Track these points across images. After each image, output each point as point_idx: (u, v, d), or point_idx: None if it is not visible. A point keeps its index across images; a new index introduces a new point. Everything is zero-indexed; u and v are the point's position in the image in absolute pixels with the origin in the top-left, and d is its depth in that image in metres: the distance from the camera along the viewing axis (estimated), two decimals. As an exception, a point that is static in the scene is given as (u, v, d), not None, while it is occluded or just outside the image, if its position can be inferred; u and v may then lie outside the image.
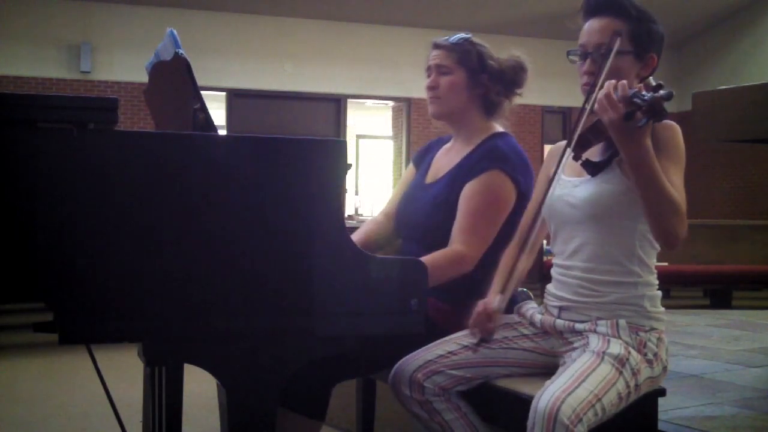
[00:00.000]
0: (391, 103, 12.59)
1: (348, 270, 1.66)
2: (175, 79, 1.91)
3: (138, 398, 2.87)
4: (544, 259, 5.88)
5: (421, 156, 2.46)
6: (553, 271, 1.95)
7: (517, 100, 2.34)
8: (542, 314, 1.95)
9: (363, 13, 11.25)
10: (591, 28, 1.91)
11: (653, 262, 1.87)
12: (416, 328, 1.72)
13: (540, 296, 2.07)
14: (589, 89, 1.82)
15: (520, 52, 2.29)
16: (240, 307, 1.62)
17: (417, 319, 1.71)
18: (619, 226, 1.82)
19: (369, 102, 12.83)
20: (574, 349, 1.83)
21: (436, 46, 2.29)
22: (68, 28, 10.34)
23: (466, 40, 2.27)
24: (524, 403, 1.69)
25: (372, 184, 14.26)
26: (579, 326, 1.84)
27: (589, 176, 1.83)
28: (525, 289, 2.27)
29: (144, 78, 2.18)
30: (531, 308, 2.00)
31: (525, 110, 10.23)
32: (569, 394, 1.61)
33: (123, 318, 1.56)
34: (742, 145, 7.59)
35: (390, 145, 12.95)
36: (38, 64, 10.22)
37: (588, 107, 1.78)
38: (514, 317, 2.02)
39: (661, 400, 1.88)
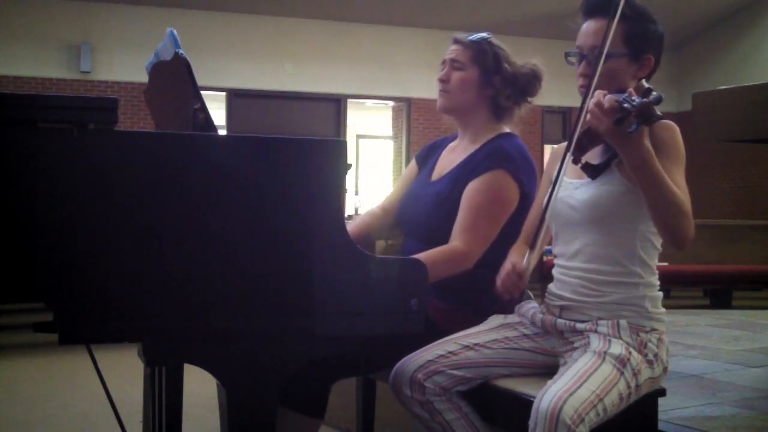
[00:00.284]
0: (391, 103, 12.60)
1: (348, 270, 1.66)
2: (175, 79, 1.91)
3: (138, 398, 2.86)
4: (545, 259, 5.88)
5: (425, 154, 2.45)
6: (555, 271, 1.95)
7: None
8: (543, 314, 1.95)
9: (363, 13, 11.25)
10: (586, 30, 1.92)
11: (654, 262, 1.87)
12: (416, 328, 1.72)
13: (540, 296, 2.08)
14: (584, 92, 1.83)
15: (539, 60, 2.28)
16: (240, 307, 1.62)
17: (417, 319, 1.71)
18: (619, 227, 1.83)
19: (369, 102, 12.84)
20: (575, 348, 1.83)
21: (455, 41, 2.29)
22: (68, 28, 10.34)
23: (485, 39, 2.26)
24: (525, 403, 1.69)
25: (372, 184, 14.26)
26: (580, 326, 1.84)
27: (589, 179, 1.83)
28: (525, 289, 2.27)
29: (144, 78, 2.18)
30: (532, 308, 2.00)
31: (525, 110, 10.23)
32: (571, 395, 1.61)
33: (123, 318, 1.56)
34: (742, 145, 7.59)
35: (390, 145, 12.95)
36: (38, 64, 10.22)
37: (584, 111, 1.79)
38: (514, 317, 2.02)
39: (661, 400, 1.88)
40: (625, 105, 1.63)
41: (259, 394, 1.66)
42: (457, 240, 2.11)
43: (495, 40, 2.28)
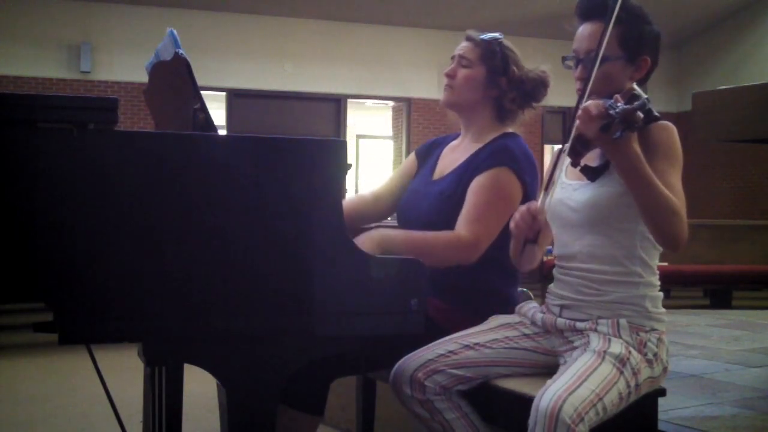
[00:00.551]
0: (391, 103, 12.60)
1: (348, 270, 1.66)
2: (175, 79, 1.91)
3: (138, 398, 2.87)
4: (545, 259, 5.89)
5: (425, 151, 2.44)
6: (555, 271, 1.95)
7: None
8: (543, 313, 1.95)
9: (363, 13, 11.26)
10: (581, 34, 1.92)
11: (655, 262, 1.87)
12: (416, 328, 1.71)
13: (540, 296, 2.07)
14: (580, 96, 1.83)
15: (548, 67, 2.28)
16: (240, 307, 1.62)
17: (417, 319, 1.71)
18: (619, 228, 1.83)
19: (369, 102, 12.84)
20: (575, 348, 1.84)
21: (467, 37, 2.29)
22: (68, 28, 10.34)
23: (495, 40, 2.26)
24: (525, 402, 1.69)
25: (372, 184, 14.26)
26: (580, 325, 1.85)
27: (588, 181, 1.83)
28: (525, 289, 2.28)
29: (144, 78, 2.18)
30: (532, 308, 2.00)
31: (529, 115, 10.23)
32: (571, 394, 1.61)
33: (123, 318, 1.56)
34: (742, 145, 7.59)
35: (390, 145, 12.95)
36: (38, 64, 10.23)
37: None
38: (514, 317, 2.02)
39: (661, 400, 1.88)
40: (610, 111, 1.63)
41: (259, 393, 1.66)
42: (461, 229, 2.09)
43: (507, 42, 2.28)
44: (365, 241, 1.87)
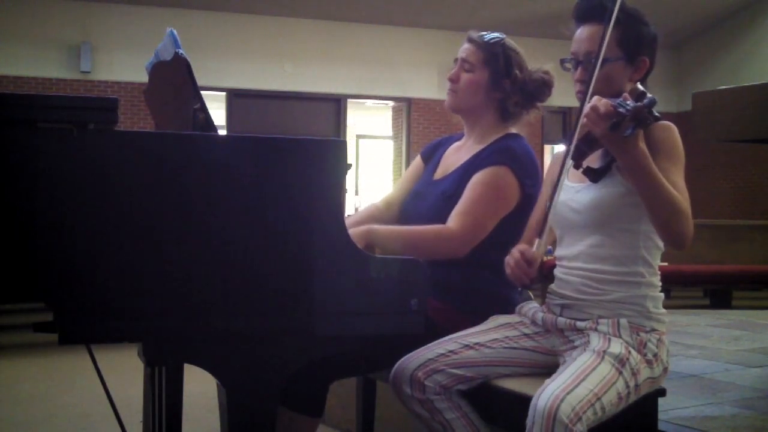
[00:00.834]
0: (391, 103, 12.60)
1: (348, 270, 1.66)
2: (175, 79, 1.91)
3: (138, 398, 2.86)
4: (545, 259, 5.88)
5: (430, 152, 2.45)
6: (557, 271, 1.95)
7: None
8: (544, 312, 1.95)
9: (363, 13, 11.25)
10: (580, 36, 1.93)
11: (657, 263, 1.87)
12: (416, 328, 1.72)
13: (540, 296, 2.08)
14: (582, 98, 1.83)
15: (551, 66, 2.28)
16: (240, 307, 1.62)
17: (417, 319, 1.71)
18: (622, 228, 1.83)
19: (369, 102, 12.84)
20: (575, 347, 1.84)
21: (469, 39, 2.28)
22: (68, 28, 10.34)
23: (498, 41, 2.25)
24: (525, 402, 1.68)
25: (372, 184, 14.27)
26: (580, 324, 1.85)
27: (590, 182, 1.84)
28: (525, 289, 2.27)
29: (144, 78, 2.18)
30: (532, 307, 2.00)
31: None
32: (569, 393, 1.61)
33: (123, 318, 1.56)
34: (742, 145, 7.59)
35: (390, 145, 12.95)
36: (38, 64, 10.23)
37: (581, 117, 1.79)
38: (515, 317, 2.02)
39: (661, 400, 1.88)
40: (620, 109, 1.64)
41: (259, 394, 1.66)
42: (451, 222, 2.11)
43: (509, 43, 2.27)
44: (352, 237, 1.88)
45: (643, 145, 1.69)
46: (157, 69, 2.04)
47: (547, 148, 12.41)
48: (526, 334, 1.96)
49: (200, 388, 3.09)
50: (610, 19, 1.83)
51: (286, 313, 1.64)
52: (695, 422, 2.28)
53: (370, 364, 2.14)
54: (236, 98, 11.26)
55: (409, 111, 11.97)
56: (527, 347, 1.95)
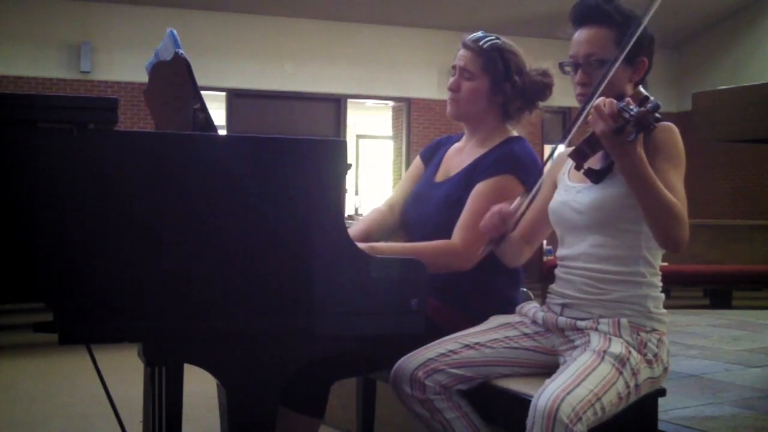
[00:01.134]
0: (391, 103, 12.60)
1: (348, 270, 1.66)
2: (175, 79, 1.91)
3: (138, 398, 2.86)
4: (545, 259, 5.89)
5: (429, 153, 2.44)
6: (558, 271, 1.95)
7: None
8: (544, 312, 1.95)
9: (363, 13, 11.25)
10: (578, 39, 1.94)
11: (659, 263, 1.87)
12: (416, 328, 1.71)
13: (541, 296, 2.08)
14: (584, 100, 1.84)
15: (550, 64, 2.27)
16: (240, 307, 1.62)
17: (417, 319, 1.71)
18: (623, 229, 1.83)
19: (369, 102, 12.84)
20: (575, 347, 1.84)
21: (465, 46, 2.27)
22: (68, 28, 10.34)
23: (495, 46, 2.23)
24: (525, 402, 1.69)
25: (372, 184, 14.27)
26: (581, 324, 1.85)
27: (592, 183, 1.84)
28: (525, 290, 2.28)
29: (144, 78, 2.18)
30: (533, 307, 2.00)
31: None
32: (569, 393, 1.61)
33: (123, 318, 1.56)
34: (742, 145, 7.59)
35: (390, 145, 12.95)
36: (38, 64, 10.22)
37: (582, 118, 1.80)
38: (515, 317, 2.02)
39: (661, 400, 1.88)
40: (625, 114, 1.64)
41: (259, 394, 1.66)
42: (455, 237, 2.11)
43: (506, 45, 2.25)
44: None
45: (641, 150, 1.69)
46: (157, 69, 2.04)
47: (547, 148, 12.40)
48: (526, 334, 1.96)
49: (200, 388, 3.09)
50: (608, 23, 1.87)
51: (286, 313, 1.64)
52: (695, 422, 2.28)
53: (370, 364, 2.13)
54: (236, 98, 11.26)
55: (409, 111, 11.97)
56: (527, 347, 1.95)
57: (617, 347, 1.75)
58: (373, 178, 14.36)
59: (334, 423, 3.42)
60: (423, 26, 11.51)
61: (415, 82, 11.73)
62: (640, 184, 1.70)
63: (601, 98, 1.72)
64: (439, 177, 2.31)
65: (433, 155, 2.41)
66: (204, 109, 1.81)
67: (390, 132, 12.97)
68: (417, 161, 2.46)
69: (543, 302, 2.01)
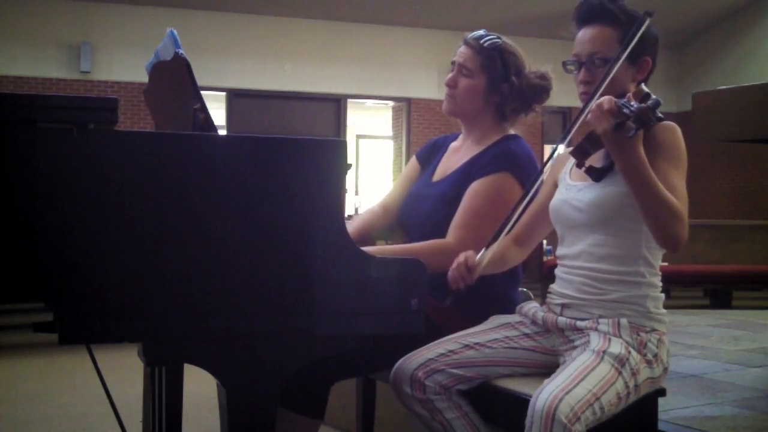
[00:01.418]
0: (391, 103, 12.60)
1: (348, 270, 1.66)
2: (175, 79, 1.91)
3: (138, 398, 2.86)
4: (545, 259, 5.89)
5: (426, 153, 2.44)
6: (558, 271, 1.95)
7: None
8: (544, 312, 1.95)
9: (363, 13, 11.26)
10: (582, 38, 1.94)
11: (658, 263, 1.87)
12: (416, 328, 1.71)
13: (541, 296, 2.07)
14: (587, 98, 1.84)
15: (550, 67, 2.27)
16: (240, 307, 1.62)
17: (417, 319, 1.71)
18: (624, 228, 1.83)
19: (369, 102, 12.84)
20: (575, 347, 1.84)
21: (465, 43, 2.27)
22: (68, 28, 10.35)
23: (495, 45, 2.23)
24: (525, 402, 1.68)
25: (372, 184, 14.27)
26: (581, 324, 1.85)
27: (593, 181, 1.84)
28: (525, 289, 2.28)
29: (144, 78, 2.18)
30: (533, 307, 2.00)
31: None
32: (567, 393, 1.61)
33: (123, 318, 1.56)
34: (742, 145, 7.59)
35: (390, 145, 12.95)
36: (38, 64, 10.23)
37: (583, 116, 1.80)
38: (515, 317, 2.02)
39: (661, 400, 1.88)
40: (625, 110, 1.64)
41: (259, 394, 1.66)
42: (450, 236, 2.11)
43: (506, 45, 2.25)
44: None
45: (641, 148, 1.69)
46: (157, 69, 2.04)
47: (547, 148, 12.40)
48: (526, 334, 1.96)
49: (200, 388, 3.09)
50: (612, 22, 1.87)
51: (286, 313, 1.64)
52: (695, 422, 2.28)
53: (370, 364, 2.13)
54: (236, 98, 11.26)
55: (409, 111, 11.97)
56: (527, 347, 1.95)
57: (617, 347, 1.75)
58: (373, 178, 14.36)
59: (334, 423, 3.43)
60: (423, 26, 11.51)
61: (415, 82, 11.73)
62: (638, 182, 1.70)
63: (605, 97, 1.72)
64: (437, 176, 2.31)
65: (429, 156, 2.41)
66: (204, 109, 1.81)
67: (390, 132, 12.97)
68: (413, 161, 2.46)
69: (543, 302, 2.01)
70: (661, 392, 1.87)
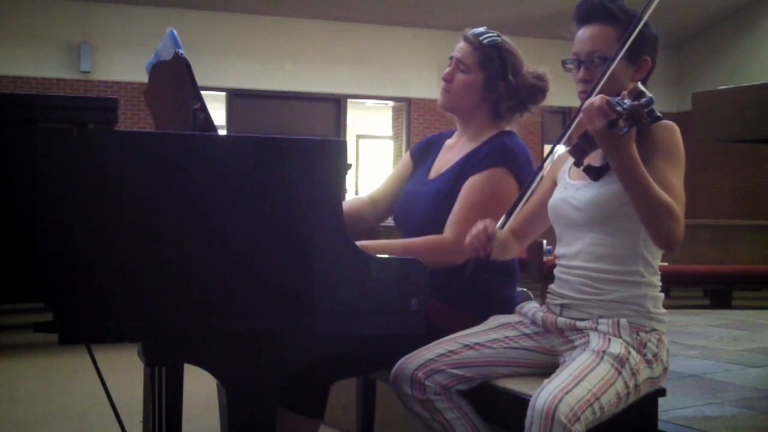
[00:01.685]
0: (391, 103, 12.60)
1: (348, 270, 1.66)
2: (175, 79, 1.91)
3: (138, 398, 2.86)
4: (545, 259, 5.89)
5: (421, 151, 2.44)
6: (557, 271, 1.95)
7: None
8: (544, 312, 1.95)
9: (363, 13, 11.26)
10: (582, 36, 1.94)
11: (657, 262, 1.87)
12: (416, 328, 1.71)
13: (540, 296, 2.07)
14: (586, 97, 1.84)
15: (548, 68, 2.27)
16: (240, 307, 1.62)
17: (417, 318, 1.71)
18: (622, 227, 1.83)
19: (369, 102, 12.85)
20: (575, 347, 1.84)
21: (465, 39, 2.27)
22: (68, 28, 10.35)
23: (494, 43, 2.24)
24: (524, 402, 1.68)
25: (372, 184, 14.27)
26: (580, 324, 1.85)
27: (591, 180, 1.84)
28: (525, 289, 2.27)
29: (144, 78, 2.18)
30: (532, 307, 2.00)
31: (526, 117, 10.23)
32: (567, 393, 1.61)
33: (123, 318, 1.56)
34: (742, 145, 7.59)
35: (390, 145, 12.96)
36: (38, 64, 10.23)
37: (580, 115, 1.80)
38: (515, 317, 2.02)
39: (661, 400, 1.88)
40: (617, 108, 1.64)
41: (259, 394, 1.66)
42: (447, 232, 2.11)
43: (505, 43, 2.26)
44: None
45: (634, 147, 1.69)
46: (157, 69, 2.04)
47: (547, 148, 12.40)
48: (526, 334, 1.96)
49: (200, 388, 3.09)
50: (612, 21, 1.88)
51: (286, 313, 1.64)
52: (695, 422, 2.27)
53: (370, 364, 2.13)
54: (236, 98, 11.27)
55: (409, 111, 11.97)
56: (527, 347, 1.95)
57: (616, 347, 1.75)
58: (373, 178, 14.36)
59: (334, 423, 3.43)
60: (423, 26, 11.51)
61: (415, 82, 11.73)
62: (631, 181, 1.69)
63: (600, 96, 1.72)
64: (432, 174, 2.31)
65: (425, 153, 2.41)
66: (204, 109, 1.81)
67: (390, 132, 12.97)
68: (406, 158, 2.45)
69: (543, 302, 2.01)
70: (661, 392, 1.87)
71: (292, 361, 1.69)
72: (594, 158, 1.84)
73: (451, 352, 1.92)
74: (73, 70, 10.36)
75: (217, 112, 10.87)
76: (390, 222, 2.47)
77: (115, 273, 1.55)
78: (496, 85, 2.23)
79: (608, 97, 1.68)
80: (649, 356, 1.79)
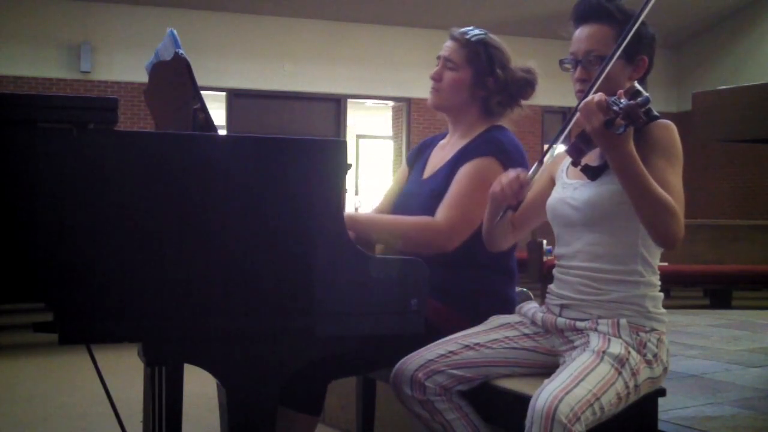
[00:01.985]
0: (391, 103, 12.61)
1: (348, 270, 1.66)
2: (175, 79, 1.91)
3: (138, 398, 2.87)
4: (545, 259, 5.89)
5: (415, 155, 2.46)
6: (556, 271, 1.95)
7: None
8: (543, 313, 1.95)
9: (363, 13, 11.26)
10: (579, 36, 1.94)
11: (656, 262, 1.87)
12: (416, 328, 1.71)
13: (540, 296, 2.07)
14: (583, 96, 1.84)
15: (536, 61, 2.28)
16: (240, 307, 1.62)
17: (417, 319, 1.71)
18: (620, 226, 1.83)
19: (369, 102, 12.85)
20: (575, 348, 1.84)
21: (451, 37, 2.28)
22: (68, 28, 10.35)
23: (480, 39, 2.25)
24: (524, 403, 1.68)
25: (372, 184, 14.27)
26: (580, 324, 1.85)
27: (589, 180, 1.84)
28: (525, 289, 2.27)
29: (144, 78, 2.18)
30: (532, 307, 2.00)
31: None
32: (567, 393, 1.61)
33: (123, 318, 1.56)
34: (742, 145, 7.60)
35: (390, 145, 12.96)
36: (38, 64, 10.23)
37: (577, 114, 1.80)
38: (514, 317, 2.02)
39: (661, 400, 1.88)
40: (613, 107, 1.64)
41: (259, 394, 1.66)
42: (438, 215, 2.12)
43: (492, 40, 2.27)
44: None
45: (632, 145, 1.69)
46: (157, 69, 2.04)
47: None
48: (525, 334, 1.96)
49: (200, 388, 3.09)
50: (609, 20, 1.88)
51: (286, 313, 1.64)
52: (695, 422, 2.27)
53: (370, 364, 2.14)
54: (236, 98, 11.27)
55: (409, 111, 11.97)
56: (527, 347, 1.95)
57: (616, 347, 1.75)
58: (373, 178, 14.37)
59: (334, 423, 3.43)
60: (423, 26, 11.51)
61: (415, 82, 11.71)
62: (630, 180, 1.69)
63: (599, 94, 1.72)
64: (426, 173, 2.32)
65: (419, 157, 2.43)
66: (204, 109, 1.81)
67: (390, 132, 12.98)
68: (403, 167, 2.50)
69: (542, 302, 2.01)
70: (661, 392, 1.87)
71: (292, 361, 1.69)
72: (591, 158, 1.84)
73: (451, 352, 1.92)
74: (73, 70, 10.36)
75: (217, 112, 10.87)
76: None
77: (115, 273, 1.54)
78: (484, 80, 2.23)
79: (605, 97, 1.68)
80: (649, 356, 1.79)
